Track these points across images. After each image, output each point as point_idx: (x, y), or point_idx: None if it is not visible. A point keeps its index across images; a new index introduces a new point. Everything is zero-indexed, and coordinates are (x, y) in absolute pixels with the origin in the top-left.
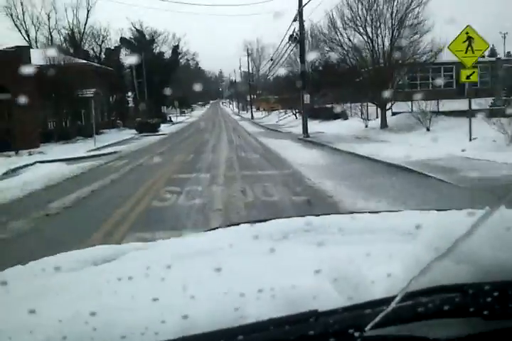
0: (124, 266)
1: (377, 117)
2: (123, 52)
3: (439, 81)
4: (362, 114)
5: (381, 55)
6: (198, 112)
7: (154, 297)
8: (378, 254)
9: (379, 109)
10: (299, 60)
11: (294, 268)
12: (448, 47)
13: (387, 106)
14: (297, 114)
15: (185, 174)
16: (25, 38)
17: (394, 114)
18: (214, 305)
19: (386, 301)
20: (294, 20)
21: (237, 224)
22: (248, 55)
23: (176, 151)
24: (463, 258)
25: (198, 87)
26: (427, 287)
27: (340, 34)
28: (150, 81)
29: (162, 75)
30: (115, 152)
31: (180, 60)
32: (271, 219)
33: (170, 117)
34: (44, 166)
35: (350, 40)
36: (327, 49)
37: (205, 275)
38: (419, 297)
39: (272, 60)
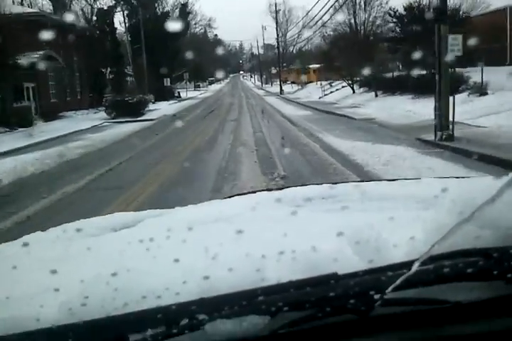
0: (144, 231)
1: None
2: (119, 14)
3: None
4: None
5: None
6: (216, 86)
7: (176, 258)
8: (400, 219)
9: None
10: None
11: (315, 231)
12: None
13: None
14: (355, 86)
15: None
16: None
17: None
18: (235, 266)
19: (407, 264)
20: None
21: (254, 192)
22: (276, 12)
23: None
24: (486, 223)
25: (216, 59)
26: (449, 251)
27: None
28: (151, 48)
29: (167, 41)
30: None
31: (193, 25)
32: (289, 187)
33: (178, 92)
34: None
35: None
36: None
37: (227, 237)
38: (441, 260)
39: None
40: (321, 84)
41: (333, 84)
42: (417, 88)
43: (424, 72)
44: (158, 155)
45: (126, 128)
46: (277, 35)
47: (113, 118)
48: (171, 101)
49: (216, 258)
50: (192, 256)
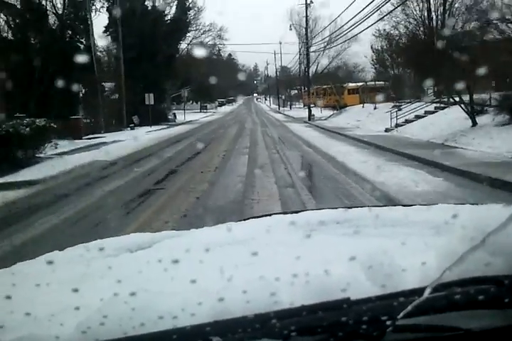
0: (161, 252)
1: None
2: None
3: None
4: None
5: None
6: (226, 108)
7: (192, 279)
8: (412, 245)
9: None
10: None
11: (329, 255)
12: None
13: None
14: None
15: None
16: None
17: None
18: (249, 288)
19: (419, 291)
20: None
21: (270, 215)
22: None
23: None
24: (498, 251)
25: (229, 79)
26: (461, 278)
27: None
28: (135, 55)
29: (159, 47)
30: None
31: (201, 34)
32: (304, 210)
33: (174, 114)
34: None
35: None
36: None
37: (242, 259)
38: (453, 287)
39: None
40: (374, 108)
41: (401, 108)
42: None
43: None
44: None
45: None
46: (306, 34)
47: None
48: (157, 127)
49: (231, 280)
50: (208, 277)
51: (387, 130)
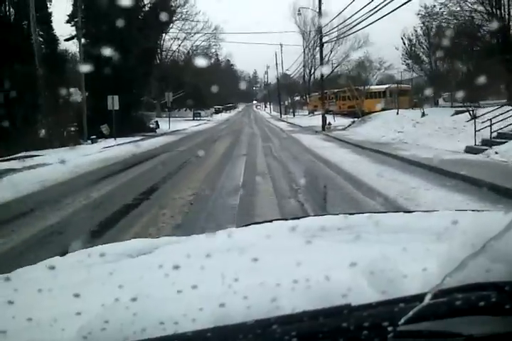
0: (162, 258)
1: None
2: None
3: None
4: None
5: None
6: (223, 115)
7: (193, 284)
8: (413, 251)
9: None
10: None
11: (329, 261)
12: None
13: None
14: None
15: None
16: None
17: None
18: (250, 294)
19: (420, 297)
20: None
21: (271, 221)
22: None
23: None
24: (499, 257)
25: (226, 85)
26: (462, 284)
27: None
28: (101, 49)
29: (132, 39)
30: None
31: (193, 33)
32: (306, 217)
33: (156, 122)
34: None
35: None
36: None
37: (243, 265)
38: (454, 293)
39: None
40: (422, 114)
41: (475, 113)
42: None
43: None
44: None
45: None
46: (319, 11)
47: None
48: (126, 140)
49: (232, 286)
50: (209, 283)
51: (471, 150)
